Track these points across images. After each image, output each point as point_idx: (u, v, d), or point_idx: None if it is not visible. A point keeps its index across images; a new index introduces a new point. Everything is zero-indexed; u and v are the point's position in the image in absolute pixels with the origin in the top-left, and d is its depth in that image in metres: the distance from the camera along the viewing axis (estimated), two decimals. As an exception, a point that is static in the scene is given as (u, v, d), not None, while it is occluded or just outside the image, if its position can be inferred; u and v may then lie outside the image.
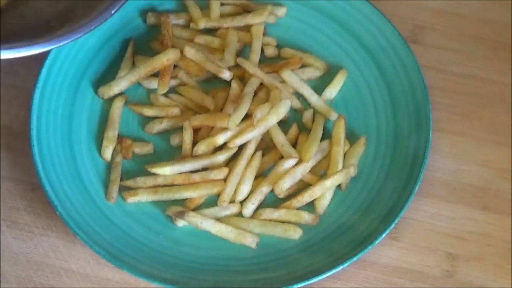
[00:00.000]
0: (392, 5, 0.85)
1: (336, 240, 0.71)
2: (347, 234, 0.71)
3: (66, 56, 0.77)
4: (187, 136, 0.74)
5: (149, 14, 0.82)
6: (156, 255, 0.70)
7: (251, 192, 0.73)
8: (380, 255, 0.72)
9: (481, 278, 0.72)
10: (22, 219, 0.73)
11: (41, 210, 0.74)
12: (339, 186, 0.74)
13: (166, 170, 0.73)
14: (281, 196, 0.73)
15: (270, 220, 0.72)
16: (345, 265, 0.68)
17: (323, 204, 0.73)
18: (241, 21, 0.82)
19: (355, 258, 0.68)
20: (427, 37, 0.85)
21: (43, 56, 0.76)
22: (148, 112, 0.78)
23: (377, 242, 0.69)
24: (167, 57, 0.77)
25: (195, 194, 0.73)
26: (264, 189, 0.73)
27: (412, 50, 0.79)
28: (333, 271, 0.68)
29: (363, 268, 0.72)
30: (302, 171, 0.74)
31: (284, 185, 0.73)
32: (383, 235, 0.69)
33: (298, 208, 0.73)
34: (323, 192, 0.73)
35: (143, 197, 0.73)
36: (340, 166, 0.74)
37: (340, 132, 0.75)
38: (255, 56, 0.80)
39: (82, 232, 0.69)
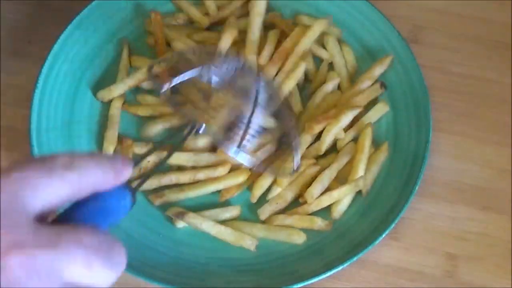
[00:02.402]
0: (392, 5, 0.85)
1: (336, 240, 0.71)
2: (347, 234, 0.71)
3: (66, 56, 0.77)
4: None
5: (147, 21, 0.82)
6: (156, 255, 0.70)
7: (275, 195, 0.73)
8: (380, 255, 0.72)
9: (481, 278, 0.72)
10: (22, 219, 0.73)
11: (41, 210, 0.74)
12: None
13: (181, 160, 0.73)
14: (310, 203, 0.72)
15: (277, 225, 0.72)
16: (345, 265, 0.68)
17: (339, 209, 0.73)
18: (238, 2, 0.81)
19: (355, 258, 0.68)
20: (427, 37, 0.85)
21: (43, 56, 0.76)
22: (143, 112, 0.77)
23: (377, 242, 0.69)
24: None
25: (222, 186, 0.73)
26: (288, 196, 0.73)
27: (412, 50, 0.79)
28: (333, 271, 0.68)
29: (363, 268, 0.72)
30: (329, 176, 0.73)
31: (315, 193, 0.72)
32: (383, 235, 0.69)
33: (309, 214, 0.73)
34: (331, 202, 0.72)
35: (170, 198, 0.73)
36: (361, 173, 0.73)
37: (366, 139, 0.74)
38: (256, 30, 0.79)
39: (82, 232, 0.68)
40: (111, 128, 0.76)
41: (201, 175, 0.73)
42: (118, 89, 0.77)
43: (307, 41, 0.78)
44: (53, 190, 0.42)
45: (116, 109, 0.77)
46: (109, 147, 0.75)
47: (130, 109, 0.78)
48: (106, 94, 0.77)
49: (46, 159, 0.43)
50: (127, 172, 0.46)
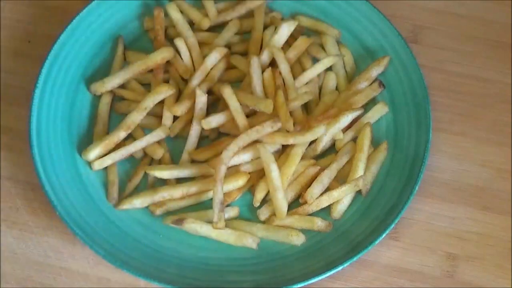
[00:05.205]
0: (392, 5, 0.85)
1: (336, 240, 0.71)
2: (347, 234, 0.71)
3: (66, 56, 0.77)
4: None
5: (146, 18, 0.82)
6: (156, 255, 0.70)
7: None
8: (380, 255, 0.72)
9: (481, 278, 0.72)
10: (22, 219, 0.73)
11: (41, 210, 0.74)
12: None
13: (164, 174, 0.73)
14: (310, 203, 0.72)
15: (276, 225, 0.72)
16: (345, 265, 0.68)
17: (339, 209, 0.73)
18: (242, 9, 0.81)
19: (355, 258, 0.68)
20: (427, 37, 0.85)
21: (43, 56, 0.76)
22: (128, 95, 0.77)
23: (377, 242, 0.69)
24: (161, 56, 0.77)
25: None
26: (288, 196, 0.73)
27: (412, 50, 0.79)
28: (333, 271, 0.68)
29: (363, 268, 0.72)
30: (329, 176, 0.73)
31: (315, 193, 0.72)
32: (383, 235, 0.69)
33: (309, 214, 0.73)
34: (330, 203, 0.72)
35: (171, 207, 0.73)
36: (361, 172, 0.73)
37: (365, 139, 0.74)
38: (258, 33, 0.80)
39: (82, 232, 0.69)
40: (100, 123, 0.76)
41: (193, 189, 0.72)
42: (111, 82, 0.77)
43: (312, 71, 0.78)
44: None
45: (105, 104, 0.77)
46: (97, 142, 0.74)
47: (117, 92, 0.77)
48: (99, 86, 0.77)
49: None
50: None
